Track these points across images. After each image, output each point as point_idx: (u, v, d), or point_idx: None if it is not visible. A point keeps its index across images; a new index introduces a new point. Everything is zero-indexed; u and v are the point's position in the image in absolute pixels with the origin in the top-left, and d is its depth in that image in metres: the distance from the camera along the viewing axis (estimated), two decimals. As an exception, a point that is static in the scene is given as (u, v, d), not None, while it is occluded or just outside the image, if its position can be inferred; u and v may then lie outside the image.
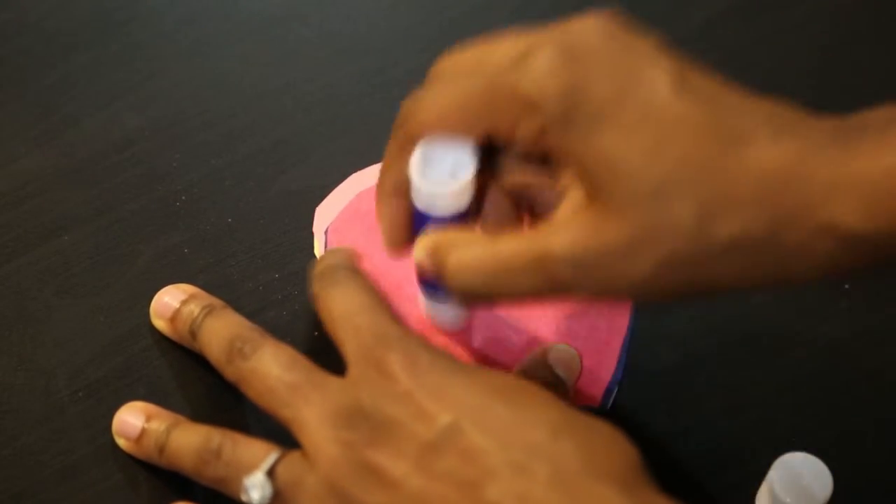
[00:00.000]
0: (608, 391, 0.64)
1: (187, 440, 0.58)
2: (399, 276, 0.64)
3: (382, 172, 0.58)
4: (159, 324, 0.64)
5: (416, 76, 0.58)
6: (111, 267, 0.67)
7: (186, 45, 0.74)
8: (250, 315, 0.61)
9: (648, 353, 0.66)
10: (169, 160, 0.70)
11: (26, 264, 0.67)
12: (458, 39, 0.58)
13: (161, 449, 0.59)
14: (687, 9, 0.77)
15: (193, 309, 0.62)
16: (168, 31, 0.75)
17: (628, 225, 0.51)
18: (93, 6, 0.75)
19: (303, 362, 0.57)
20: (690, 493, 0.53)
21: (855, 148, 0.51)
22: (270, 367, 0.57)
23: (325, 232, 0.66)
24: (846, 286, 0.68)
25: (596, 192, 0.52)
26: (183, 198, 0.69)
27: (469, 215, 0.57)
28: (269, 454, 0.56)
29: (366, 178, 0.67)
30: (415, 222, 0.58)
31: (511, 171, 0.57)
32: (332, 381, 0.56)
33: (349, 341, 0.56)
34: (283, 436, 0.56)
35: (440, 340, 0.63)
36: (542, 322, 0.64)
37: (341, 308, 0.57)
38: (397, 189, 0.57)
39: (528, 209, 0.58)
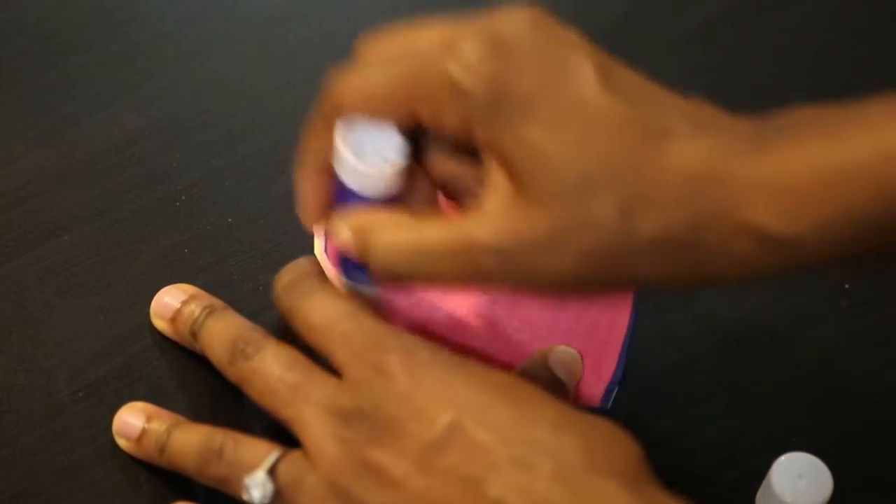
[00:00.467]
0: (608, 391, 0.64)
1: (189, 440, 0.58)
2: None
3: (304, 144, 0.58)
4: (160, 324, 0.64)
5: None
6: (111, 267, 0.67)
7: (186, 45, 0.74)
8: (250, 315, 0.61)
9: (648, 353, 0.66)
10: (169, 160, 0.70)
11: (26, 264, 0.67)
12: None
13: (162, 449, 0.59)
14: (687, 9, 0.77)
15: (194, 309, 0.62)
16: (168, 31, 0.75)
17: (551, 218, 0.52)
18: (93, 6, 0.75)
19: (304, 362, 0.57)
20: (690, 493, 0.53)
21: (770, 149, 0.51)
22: (272, 368, 0.57)
23: (325, 232, 0.66)
24: (846, 286, 0.68)
25: (520, 184, 0.52)
26: (183, 198, 0.69)
27: (394, 198, 0.57)
28: (270, 453, 0.56)
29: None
30: (337, 197, 0.58)
31: (436, 158, 0.57)
32: (333, 381, 0.56)
33: (339, 349, 0.56)
34: (284, 436, 0.56)
35: (438, 339, 0.63)
36: (542, 322, 0.64)
37: (322, 317, 0.57)
38: (319, 162, 0.58)
39: (451, 197, 0.58)
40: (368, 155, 0.56)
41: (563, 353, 0.62)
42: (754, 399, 0.65)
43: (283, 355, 0.57)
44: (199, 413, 0.63)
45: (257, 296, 0.66)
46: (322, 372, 0.56)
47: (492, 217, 0.53)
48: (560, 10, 0.55)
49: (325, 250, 0.65)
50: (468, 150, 0.56)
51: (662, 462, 0.54)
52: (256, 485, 0.55)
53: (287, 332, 0.63)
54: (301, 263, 0.60)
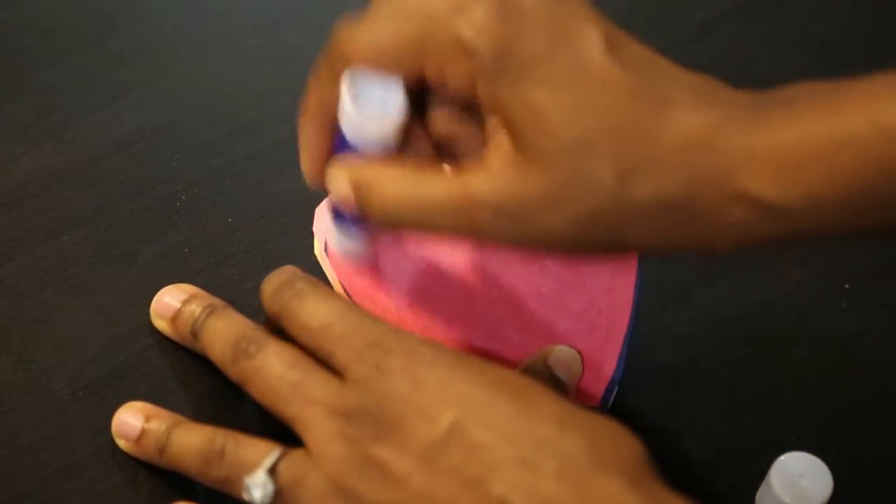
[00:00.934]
0: (608, 391, 0.64)
1: (189, 442, 0.58)
2: (396, 275, 0.64)
3: (309, 93, 0.58)
4: (160, 324, 0.64)
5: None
6: (111, 267, 0.67)
7: (186, 45, 0.74)
8: (250, 315, 0.61)
9: (648, 353, 0.66)
10: (169, 160, 0.70)
11: (26, 264, 0.67)
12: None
13: (162, 450, 0.59)
14: (686, 9, 0.77)
15: (195, 309, 0.62)
16: (168, 31, 0.75)
17: (549, 178, 0.53)
18: (93, 6, 0.75)
19: (307, 361, 0.57)
20: (690, 493, 0.53)
21: (767, 120, 0.52)
22: (274, 366, 0.57)
23: (326, 232, 0.66)
24: (846, 286, 0.68)
25: (521, 144, 0.53)
26: (183, 198, 0.69)
27: (393, 149, 0.58)
28: (270, 452, 0.56)
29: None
30: (337, 149, 0.58)
31: (439, 118, 0.58)
32: (336, 380, 0.55)
33: (339, 350, 0.56)
34: (285, 437, 0.56)
35: (439, 338, 0.63)
36: (542, 321, 0.64)
37: (318, 319, 0.57)
38: (323, 111, 0.58)
39: (450, 157, 0.59)
40: (370, 106, 0.56)
41: (563, 353, 0.62)
42: (754, 399, 0.65)
43: (285, 354, 0.57)
44: (200, 413, 0.62)
45: (257, 296, 0.66)
46: (324, 371, 0.56)
47: (491, 174, 0.54)
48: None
49: (325, 250, 0.65)
50: (470, 112, 0.57)
51: (662, 462, 0.54)
52: (257, 485, 0.55)
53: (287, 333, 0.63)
54: (287, 268, 0.60)
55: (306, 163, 0.59)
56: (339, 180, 0.57)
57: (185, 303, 0.63)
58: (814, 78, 0.54)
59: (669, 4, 0.78)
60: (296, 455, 0.55)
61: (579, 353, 0.63)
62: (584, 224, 0.53)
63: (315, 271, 0.66)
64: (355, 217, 0.57)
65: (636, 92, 0.53)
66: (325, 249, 0.65)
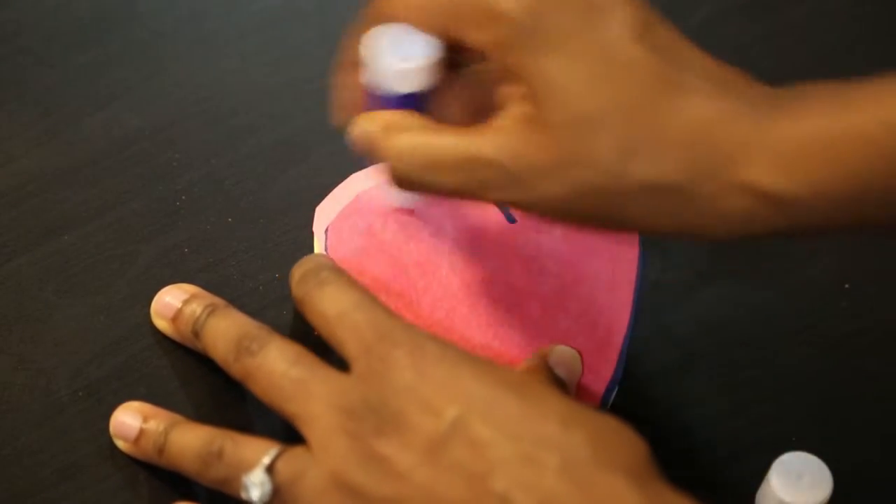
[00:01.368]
0: (608, 390, 0.64)
1: (188, 442, 0.58)
2: (398, 275, 0.64)
3: (345, 45, 0.60)
4: (161, 324, 0.64)
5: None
6: (111, 267, 0.67)
7: (186, 45, 0.74)
8: (251, 315, 0.61)
9: (648, 353, 0.66)
10: (169, 160, 0.70)
11: (26, 264, 0.67)
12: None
13: (160, 450, 0.59)
14: (687, 8, 0.77)
15: (196, 308, 0.62)
16: (168, 31, 0.75)
17: (554, 148, 0.54)
18: (93, 6, 0.75)
19: (309, 358, 0.57)
20: (690, 493, 0.53)
21: (778, 115, 0.53)
22: (277, 363, 0.57)
23: (325, 232, 0.66)
24: (846, 286, 0.68)
25: (534, 111, 0.54)
26: (183, 198, 0.69)
27: (421, 106, 0.59)
28: (268, 450, 0.56)
29: (366, 179, 0.67)
30: (367, 102, 0.59)
31: (464, 79, 0.59)
32: (338, 375, 0.56)
33: (349, 339, 0.56)
34: (285, 436, 0.56)
35: (441, 336, 0.63)
36: (542, 321, 0.64)
37: (335, 307, 0.57)
38: (357, 64, 0.59)
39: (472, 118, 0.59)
40: (402, 59, 0.57)
41: (563, 352, 0.62)
42: (754, 399, 0.66)
43: (287, 351, 0.57)
44: (200, 413, 0.63)
45: (257, 295, 0.66)
46: (327, 367, 0.56)
47: (500, 134, 0.55)
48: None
49: (326, 250, 0.65)
50: (493, 78, 0.57)
51: (662, 462, 0.54)
52: (255, 484, 0.55)
53: (293, 330, 0.64)
54: (316, 256, 0.61)
55: (338, 116, 0.61)
56: (360, 124, 0.58)
57: (186, 302, 0.63)
58: (814, 78, 0.54)
59: (670, 4, 0.77)
60: (295, 452, 0.55)
61: (579, 352, 0.63)
62: (582, 196, 0.54)
63: (315, 271, 0.66)
64: None
65: (655, 75, 0.54)
66: (326, 249, 0.65)
